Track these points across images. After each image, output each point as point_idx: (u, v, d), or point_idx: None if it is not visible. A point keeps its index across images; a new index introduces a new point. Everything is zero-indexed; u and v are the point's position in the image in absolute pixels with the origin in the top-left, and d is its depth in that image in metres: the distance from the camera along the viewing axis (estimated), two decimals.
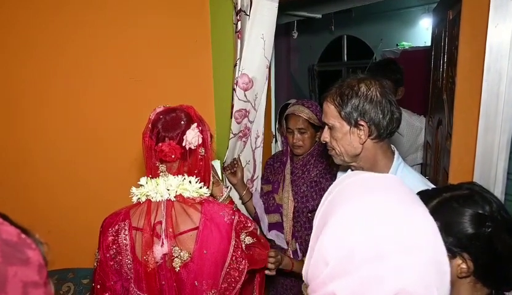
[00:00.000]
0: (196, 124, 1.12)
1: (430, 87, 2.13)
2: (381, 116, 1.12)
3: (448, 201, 0.89)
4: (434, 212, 0.87)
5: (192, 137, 1.10)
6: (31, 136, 2.00)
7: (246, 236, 1.13)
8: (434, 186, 1.25)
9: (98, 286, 1.12)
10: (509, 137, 1.23)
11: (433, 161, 1.92)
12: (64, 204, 2.06)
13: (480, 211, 0.85)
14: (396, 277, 0.59)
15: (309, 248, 0.72)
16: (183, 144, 1.10)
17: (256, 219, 1.94)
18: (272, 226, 1.90)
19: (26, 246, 0.48)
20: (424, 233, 0.64)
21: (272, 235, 1.89)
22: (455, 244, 0.86)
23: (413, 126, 2.35)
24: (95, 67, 2.02)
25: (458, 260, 0.87)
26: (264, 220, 1.95)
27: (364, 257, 0.61)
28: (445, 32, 1.71)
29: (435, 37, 2.08)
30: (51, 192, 2.06)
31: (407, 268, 0.60)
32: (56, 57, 1.97)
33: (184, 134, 1.10)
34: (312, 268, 0.69)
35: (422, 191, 0.99)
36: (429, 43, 2.64)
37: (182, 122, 1.11)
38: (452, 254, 0.87)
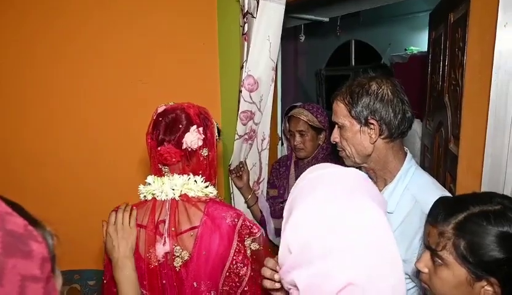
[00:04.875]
0: (195, 126, 1.10)
1: (428, 90, 2.09)
2: (392, 115, 1.10)
3: (477, 217, 0.80)
4: (459, 229, 0.81)
5: (191, 140, 1.09)
6: (35, 137, 2.01)
7: (252, 242, 1.09)
8: (444, 189, 1.20)
9: (105, 281, 1.15)
10: None
11: (434, 165, 1.88)
12: (71, 206, 2.06)
13: None
14: (343, 271, 0.62)
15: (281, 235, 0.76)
16: (183, 147, 1.09)
17: (262, 223, 1.93)
18: (278, 231, 1.89)
19: (31, 238, 0.47)
20: (372, 227, 0.65)
21: (279, 240, 1.88)
22: (481, 267, 0.77)
23: None
24: (103, 69, 2.04)
25: (483, 283, 0.79)
26: (270, 223, 1.94)
27: (317, 251, 0.64)
28: (445, 35, 1.68)
29: (432, 41, 2.03)
30: (57, 192, 2.06)
31: (355, 262, 0.62)
32: (63, 60, 1.99)
33: (183, 137, 1.09)
34: (281, 254, 0.74)
35: (444, 198, 0.92)
36: None
37: (180, 125, 1.09)
38: (476, 277, 0.79)
